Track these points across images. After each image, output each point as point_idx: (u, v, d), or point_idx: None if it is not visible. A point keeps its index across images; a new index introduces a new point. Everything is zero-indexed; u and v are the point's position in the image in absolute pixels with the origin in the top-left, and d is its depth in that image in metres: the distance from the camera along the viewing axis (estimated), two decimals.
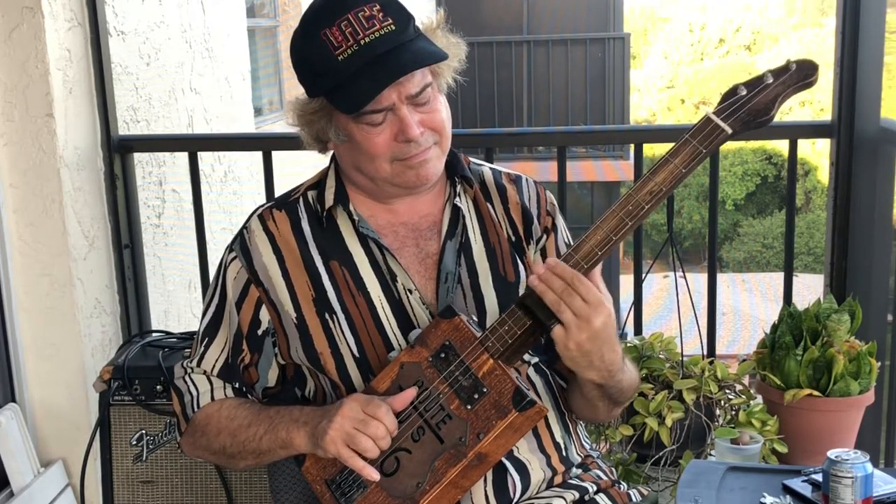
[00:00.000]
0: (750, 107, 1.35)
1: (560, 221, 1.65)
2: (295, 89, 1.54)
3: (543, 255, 1.61)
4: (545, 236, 1.62)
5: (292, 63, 1.52)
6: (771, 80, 1.36)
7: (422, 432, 1.42)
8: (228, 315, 1.60)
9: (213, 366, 1.61)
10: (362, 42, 1.40)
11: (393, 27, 1.42)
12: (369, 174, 1.52)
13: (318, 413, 1.46)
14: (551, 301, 1.34)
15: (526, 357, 1.55)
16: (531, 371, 1.57)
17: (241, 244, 1.59)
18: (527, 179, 1.66)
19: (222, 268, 1.61)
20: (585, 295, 1.34)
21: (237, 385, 1.61)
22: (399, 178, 1.50)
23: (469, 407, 1.40)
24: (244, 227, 1.61)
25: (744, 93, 1.35)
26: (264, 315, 1.57)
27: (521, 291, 1.56)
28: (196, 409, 1.60)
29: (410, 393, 1.42)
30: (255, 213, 1.62)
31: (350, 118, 1.46)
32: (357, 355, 1.51)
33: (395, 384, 1.44)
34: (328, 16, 1.42)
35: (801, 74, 1.36)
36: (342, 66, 1.41)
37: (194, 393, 1.61)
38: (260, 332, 1.58)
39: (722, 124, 1.34)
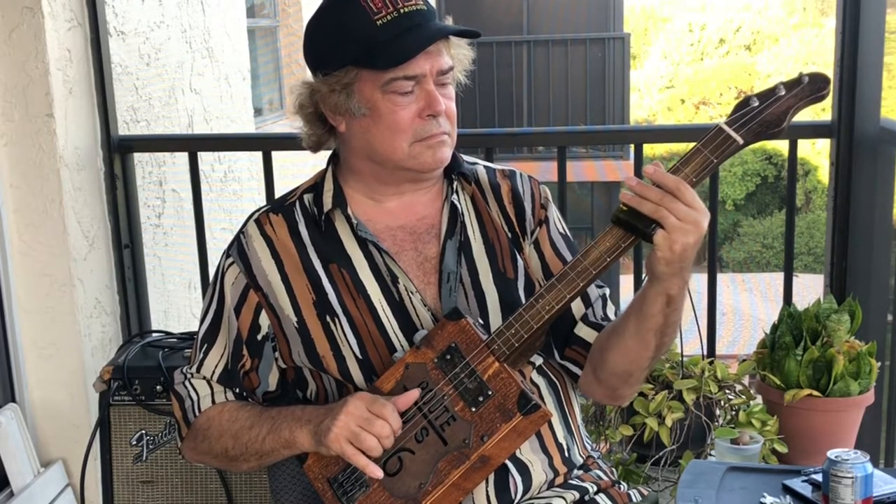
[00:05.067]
0: (762, 118, 1.35)
1: (552, 213, 1.65)
2: None
3: (537, 248, 1.61)
4: (538, 228, 1.62)
5: (311, 38, 1.52)
6: (783, 93, 1.35)
7: (425, 433, 1.42)
8: (227, 320, 1.59)
9: (213, 372, 1.61)
10: (402, 10, 1.45)
11: (424, 7, 1.47)
12: (383, 154, 1.51)
13: (321, 411, 1.46)
14: (649, 210, 1.32)
15: (530, 358, 1.55)
16: (534, 373, 1.57)
17: (238, 249, 1.59)
18: (520, 174, 1.66)
19: (220, 273, 1.61)
20: (691, 202, 1.32)
21: (237, 390, 1.61)
22: (414, 160, 1.50)
23: (473, 409, 1.40)
24: (241, 231, 1.60)
25: (756, 104, 1.35)
26: (264, 320, 1.57)
27: (521, 288, 1.56)
28: (197, 413, 1.59)
29: (414, 393, 1.42)
30: (252, 218, 1.61)
31: (377, 88, 1.46)
32: (360, 357, 1.51)
33: (399, 385, 1.44)
34: None
35: (813, 87, 1.35)
36: (380, 31, 1.44)
37: (195, 397, 1.60)
38: (260, 336, 1.58)
39: (734, 135, 1.34)
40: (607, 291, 1.62)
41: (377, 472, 1.40)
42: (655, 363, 1.55)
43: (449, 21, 1.54)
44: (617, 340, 1.49)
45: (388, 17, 1.44)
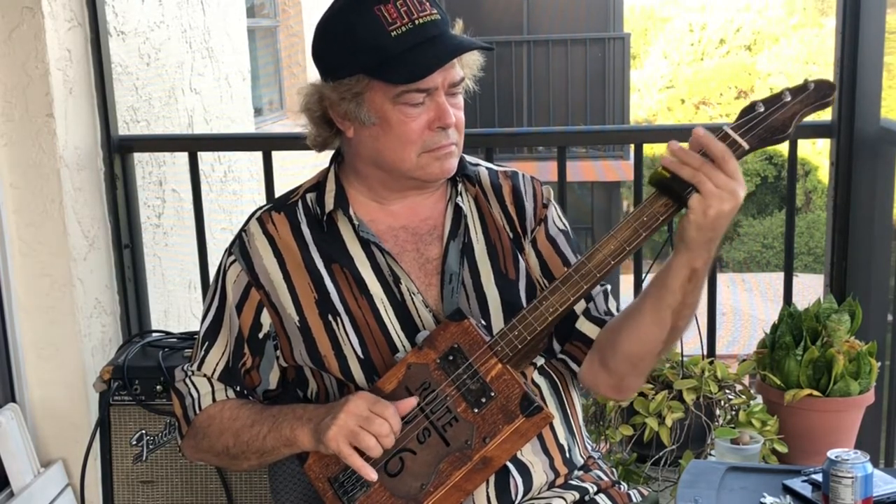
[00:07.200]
0: (767, 124, 1.35)
1: (551, 212, 1.64)
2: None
3: (534, 245, 1.61)
4: (538, 227, 1.62)
5: (322, 41, 1.50)
6: (789, 99, 1.36)
7: (427, 434, 1.42)
8: (228, 319, 1.59)
9: (214, 370, 1.60)
10: (417, 22, 1.44)
11: (439, 17, 1.46)
12: (391, 163, 1.51)
13: (322, 410, 1.46)
14: (688, 175, 1.32)
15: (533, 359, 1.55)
16: (536, 374, 1.56)
17: (240, 247, 1.59)
18: (523, 175, 1.66)
19: (221, 271, 1.60)
20: (733, 173, 1.32)
21: (238, 388, 1.60)
22: (422, 170, 1.50)
23: (476, 410, 1.40)
24: (243, 229, 1.60)
25: (762, 110, 1.35)
26: (265, 318, 1.57)
27: (522, 289, 1.56)
28: (198, 411, 1.59)
29: (412, 401, 1.41)
30: (254, 216, 1.61)
31: (388, 98, 1.46)
32: (361, 357, 1.51)
33: (401, 385, 1.44)
34: None
35: (818, 94, 1.36)
36: (393, 43, 1.43)
37: (195, 395, 1.60)
38: (261, 335, 1.58)
39: (739, 140, 1.35)
40: (609, 287, 1.62)
41: (372, 475, 1.39)
42: (666, 352, 1.55)
43: (458, 26, 1.53)
44: (632, 321, 1.48)
45: (404, 29, 1.43)
